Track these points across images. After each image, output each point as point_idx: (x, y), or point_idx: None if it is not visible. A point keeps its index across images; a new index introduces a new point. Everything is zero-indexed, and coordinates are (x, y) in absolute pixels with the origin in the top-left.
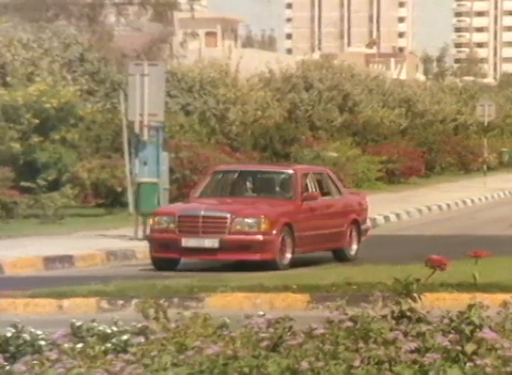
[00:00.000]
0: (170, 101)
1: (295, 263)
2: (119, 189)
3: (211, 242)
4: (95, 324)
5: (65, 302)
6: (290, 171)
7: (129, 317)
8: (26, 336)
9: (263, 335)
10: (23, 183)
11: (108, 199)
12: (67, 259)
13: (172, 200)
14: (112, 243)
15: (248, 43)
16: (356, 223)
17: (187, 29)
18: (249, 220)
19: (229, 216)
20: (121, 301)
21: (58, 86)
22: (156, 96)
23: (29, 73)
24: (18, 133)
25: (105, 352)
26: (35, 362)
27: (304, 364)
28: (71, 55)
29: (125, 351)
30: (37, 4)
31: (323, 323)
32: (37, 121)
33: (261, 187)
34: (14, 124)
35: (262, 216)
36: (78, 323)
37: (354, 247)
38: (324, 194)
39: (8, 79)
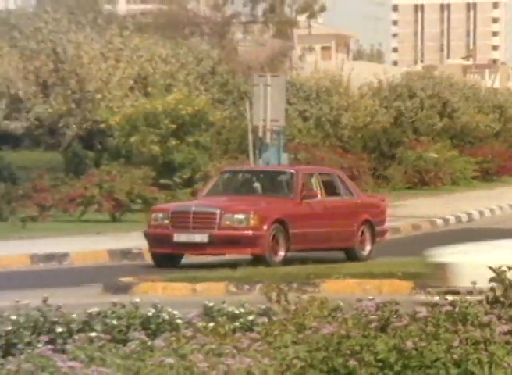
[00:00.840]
0: (290, 108)
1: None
2: None
3: (200, 237)
4: (225, 306)
5: (198, 286)
6: (292, 171)
7: (254, 300)
8: (165, 315)
9: (372, 317)
10: (161, 181)
11: None
12: None
13: None
14: None
15: (359, 56)
16: (369, 224)
17: (305, 44)
18: (238, 216)
19: (218, 211)
20: (247, 286)
21: (193, 95)
22: (278, 104)
23: (167, 84)
24: (157, 137)
25: (234, 331)
26: (173, 338)
27: (409, 343)
28: (203, 68)
29: (251, 329)
30: (175, 23)
31: (426, 307)
32: (174, 126)
33: (263, 187)
34: (154, 129)
35: (251, 212)
36: (210, 305)
37: (367, 248)
38: (332, 194)
39: (149, 89)
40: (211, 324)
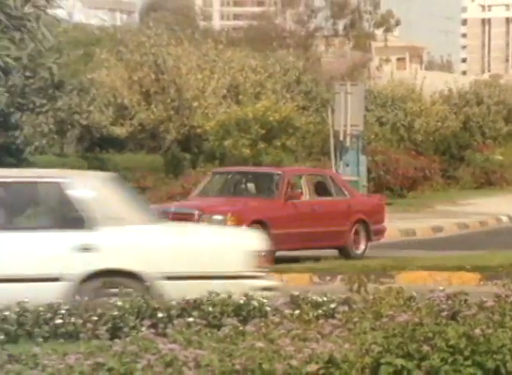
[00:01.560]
0: (368, 114)
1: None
2: None
3: None
4: (309, 295)
5: (285, 277)
6: (278, 172)
7: (336, 289)
8: (255, 303)
9: (443, 306)
10: None
11: None
12: None
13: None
14: None
15: (430, 66)
16: (364, 224)
17: (382, 55)
18: (216, 217)
19: (196, 212)
20: (329, 277)
21: (280, 103)
22: (357, 110)
23: (256, 92)
24: (248, 140)
25: (317, 318)
26: (262, 324)
27: (477, 331)
28: (289, 78)
29: (332, 317)
30: (264, 37)
31: (492, 298)
32: (263, 131)
33: (251, 187)
34: (245, 134)
35: (229, 214)
36: (295, 294)
37: (362, 246)
38: (323, 194)
39: (240, 97)
40: (297, 311)
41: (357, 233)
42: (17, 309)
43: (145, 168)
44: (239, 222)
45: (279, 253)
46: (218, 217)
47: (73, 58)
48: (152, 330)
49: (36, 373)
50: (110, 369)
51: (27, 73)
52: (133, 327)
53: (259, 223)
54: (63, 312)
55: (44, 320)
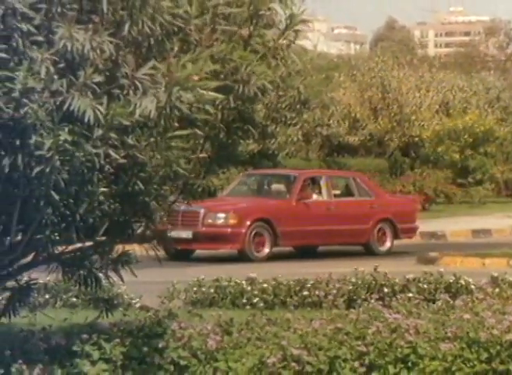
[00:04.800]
0: None
1: None
2: None
3: (186, 233)
4: (506, 276)
5: (487, 261)
6: (295, 174)
7: None
8: (462, 282)
9: None
10: (458, 181)
11: None
12: (487, 231)
13: None
14: None
15: None
16: (389, 222)
17: None
18: (219, 215)
19: (202, 211)
20: None
21: (483, 116)
22: None
23: (463, 107)
24: (457, 147)
25: None
26: (468, 300)
27: None
28: (491, 95)
29: None
30: (470, 61)
31: None
32: (470, 140)
33: (274, 188)
34: (455, 142)
35: (231, 212)
36: (495, 275)
37: (387, 244)
38: (346, 195)
39: (450, 111)
40: (497, 290)
41: (381, 231)
42: (273, 282)
43: (373, 170)
44: (240, 219)
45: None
46: (221, 215)
47: (317, 81)
48: (380, 302)
49: (288, 334)
50: (347, 333)
51: (280, 93)
52: (365, 299)
53: (263, 221)
54: (309, 285)
55: (294, 292)
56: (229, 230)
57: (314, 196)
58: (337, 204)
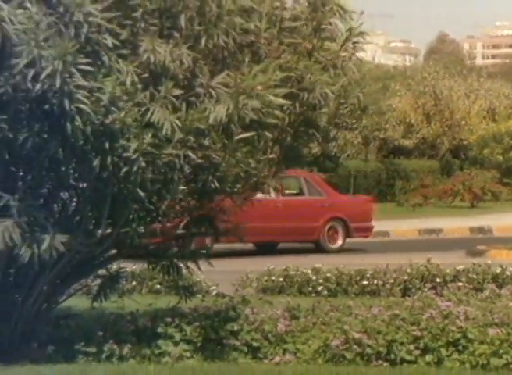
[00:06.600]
0: None
1: None
2: None
3: None
4: None
5: None
6: None
7: None
8: (508, 273)
9: None
10: (504, 180)
11: None
12: None
13: None
14: None
15: None
16: (341, 221)
17: None
18: None
19: None
20: None
21: None
22: None
23: (509, 113)
24: (501, 150)
25: None
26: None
27: None
28: None
29: None
30: None
31: None
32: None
33: None
34: (499, 144)
35: None
36: None
37: (339, 242)
38: (295, 194)
39: (496, 117)
40: None
41: (332, 229)
42: (335, 272)
43: (426, 170)
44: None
45: None
46: None
47: (375, 90)
48: (432, 291)
49: (350, 319)
50: (403, 319)
51: (341, 100)
52: (418, 288)
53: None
54: (368, 275)
55: (354, 281)
56: None
57: (260, 195)
58: (285, 202)
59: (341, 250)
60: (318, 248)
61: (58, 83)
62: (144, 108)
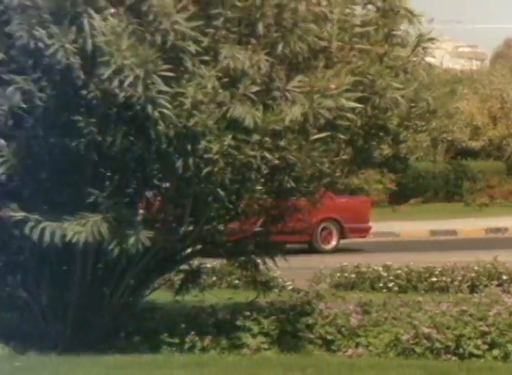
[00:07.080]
0: None
1: None
2: None
3: None
4: None
5: None
6: None
7: None
8: None
9: None
10: None
11: None
12: None
13: None
14: None
15: None
16: (335, 222)
17: None
18: None
19: None
20: None
21: None
22: None
23: None
24: None
25: None
26: None
27: None
28: None
29: None
30: None
31: None
32: None
33: None
34: None
35: None
36: None
37: (333, 242)
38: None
39: None
40: None
41: (325, 230)
42: (406, 269)
43: (492, 171)
44: None
45: None
46: None
47: (443, 93)
48: (499, 288)
49: (420, 315)
50: (471, 315)
51: (412, 104)
52: (486, 285)
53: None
54: (437, 272)
55: (424, 278)
56: None
57: None
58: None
59: (335, 250)
60: (312, 249)
61: (140, 89)
62: (224, 108)
